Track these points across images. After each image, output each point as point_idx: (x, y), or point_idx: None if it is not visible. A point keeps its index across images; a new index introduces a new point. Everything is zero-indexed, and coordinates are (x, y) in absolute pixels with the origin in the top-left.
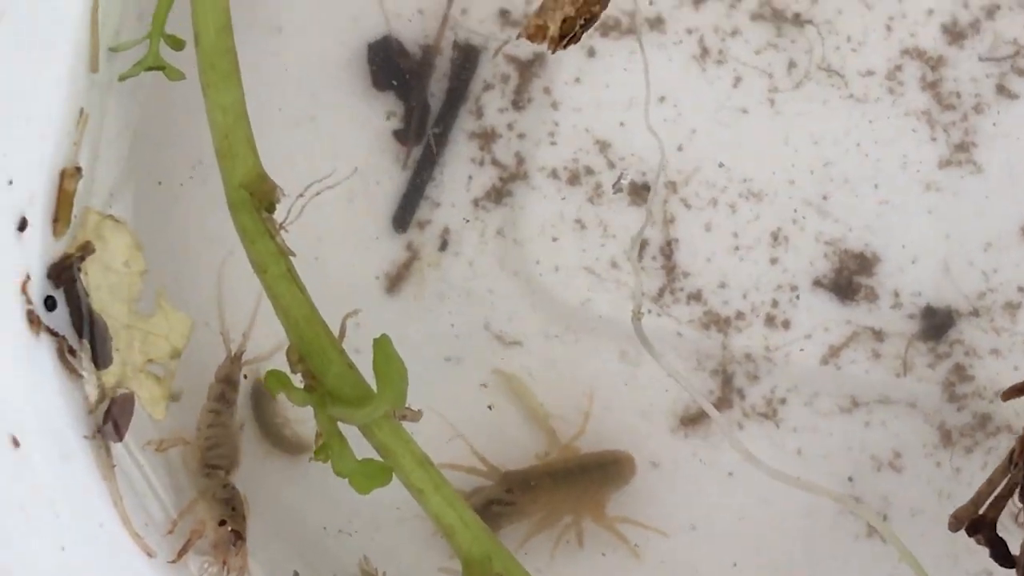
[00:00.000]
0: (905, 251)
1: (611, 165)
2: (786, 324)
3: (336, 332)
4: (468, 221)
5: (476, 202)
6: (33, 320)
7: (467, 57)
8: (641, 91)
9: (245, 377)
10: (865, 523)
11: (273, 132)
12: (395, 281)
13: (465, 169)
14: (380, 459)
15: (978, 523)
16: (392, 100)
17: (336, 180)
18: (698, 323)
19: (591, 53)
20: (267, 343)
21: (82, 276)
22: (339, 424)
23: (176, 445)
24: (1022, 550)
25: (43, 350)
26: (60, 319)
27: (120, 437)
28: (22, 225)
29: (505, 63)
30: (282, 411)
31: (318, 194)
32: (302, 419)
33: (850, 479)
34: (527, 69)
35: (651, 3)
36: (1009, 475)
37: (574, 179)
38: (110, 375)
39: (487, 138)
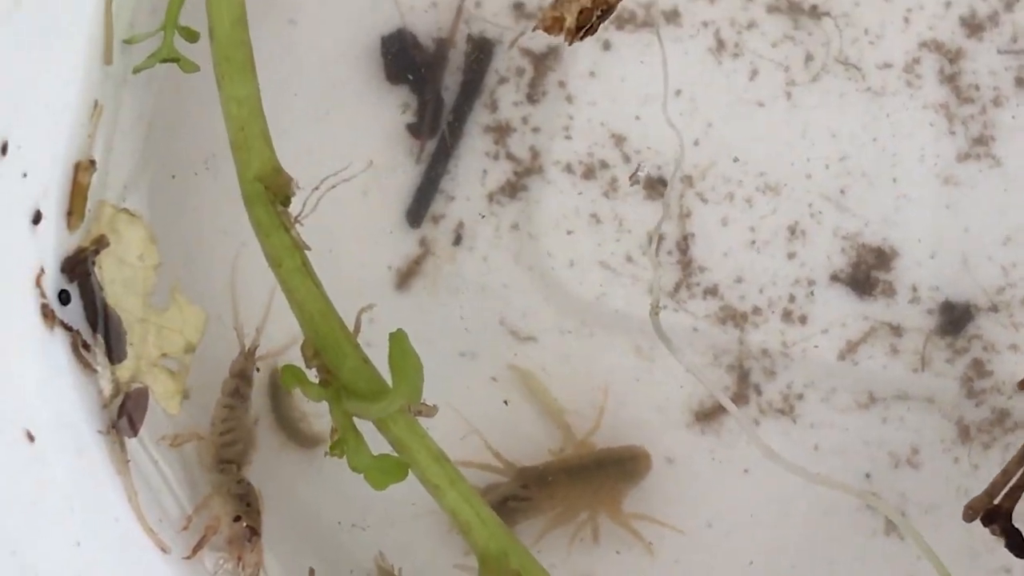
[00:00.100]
0: (923, 245)
1: (626, 159)
2: (803, 319)
3: (350, 327)
4: (484, 217)
5: (491, 196)
6: (47, 314)
7: (481, 50)
8: (656, 85)
9: (258, 370)
10: (882, 520)
11: (286, 126)
12: (409, 276)
13: (479, 163)
14: (395, 454)
15: (993, 513)
16: (406, 94)
17: (352, 173)
18: (714, 318)
19: (606, 46)
20: (281, 337)
21: (96, 270)
22: (354, 419)
23: (190, 440)
24: None
25: (57, 344)
26: (74, 313)
27: (135, 432)
28: (36, 218)
29: (520, 56)
30: (299, 405)
31: (333, 187)
32: (319, 413)
33: (867, 475)
34: (542, 62)
35: None
36: None
37: (589, 173)
38: (124, 369)
39: (502, 132)
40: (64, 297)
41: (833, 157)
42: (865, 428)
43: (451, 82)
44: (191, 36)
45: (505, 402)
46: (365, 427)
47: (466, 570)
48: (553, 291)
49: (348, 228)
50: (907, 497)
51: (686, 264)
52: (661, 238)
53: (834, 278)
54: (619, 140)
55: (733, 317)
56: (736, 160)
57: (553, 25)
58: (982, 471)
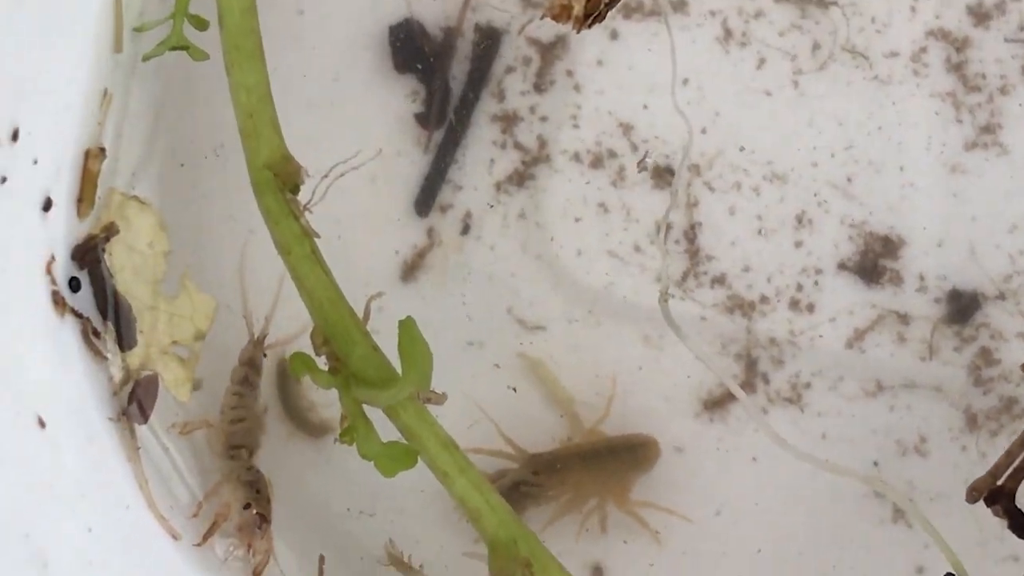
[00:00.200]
0: (930, 234)
1: (634, 148)
2: (811, 308)
3: (359, 314)
4: (492, 206)
5: (498, 186)
6: (58, 301)
7: (489, 39)
8: (664, 74)
9: (265, 355)
10: (890, 508)
11: (294, 115)
12: (417, 265)
13: (487, 152)
14: (405, 442)
15: (996, 494)
16: (414, 83)
17: (361, 161)
18: (722, 307)
19: (614, 35)
20: (289, 325)
21: (106, 257)
22: (364, 407)
23: (200, 428)
24: None
25: (68, 332)
26: (84, 300)
27: (145, 419)
28: (47, 205)
29: (527, 46)
30: (307, 394)
31: (342, 175)
32: (327, 403)
33: (875, 464)
34: (549, 52)
35: None
36: None
37: (597, 162)
38: (134, 357)
39: (509, 121)
40: (74, 284)
41: (840, 146)
42: (873, 416)
43: (459, 71)
44: (200, 24)
45: (513, 389)
46: (374, 414)
47: (475, 558)
48: (561, 280)
49: (355, 218)
50: (915, 485)
51: (693, 253)
52: (669, 227)
53: (841, 266)
54: (627, 129)
55: (741, 306)
56: (743, 149)
57: (561, 13)
58: (990, 459)
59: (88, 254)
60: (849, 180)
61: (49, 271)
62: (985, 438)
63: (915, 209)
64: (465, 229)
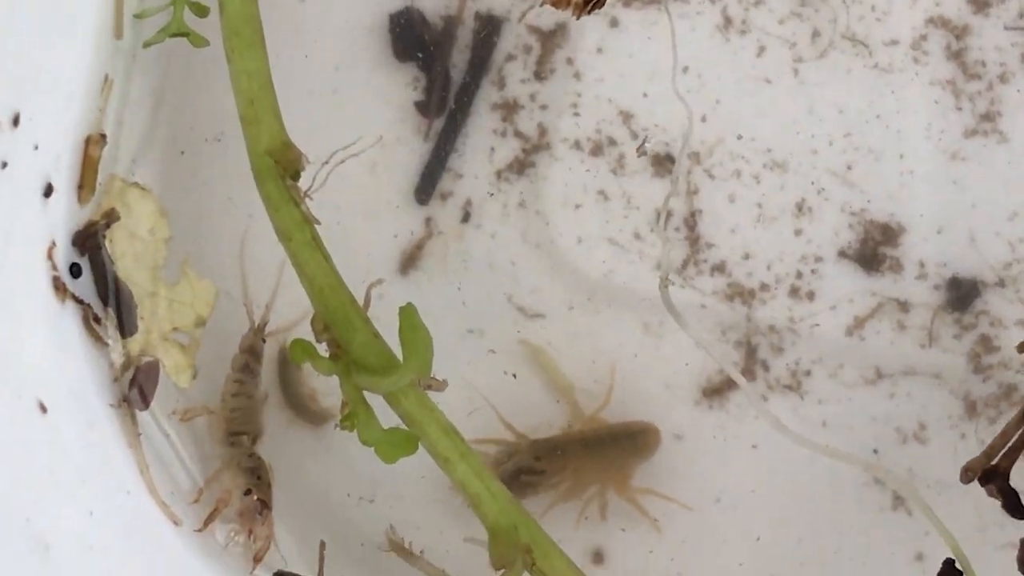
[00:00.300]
0: (930, 221)
1: (634, 136)
2: (810, 295)
3: (359, 301)
4: (492, 194)
5: (499, 174)
6: (59, 287)
7: (489, 27)
8: (664, 61)
9: (264, 341)
10: (890, 496)
11: (294, 103)
12: (416, 253)
13: (487, 140)
14: (405, 428)
15: (991, 473)
16: (414, 71)
17: (361, 148)
18: (722, 295)
19: (613, 23)
20: (290, 312)
21: (107, 243)
22: (364, 393)
23: (201, 415)
24: None
25: (69, 318)
26: (85, 287)
27: (146, 405)
28: (48, 191)
29: (527, 34)
30: (308, 382)
31: (342, 162)
32: (327, 391)
33: (875, 451)
34: (549, 40)
35: None
36: (1023, 428)
37: (597, 150)
38: (135, 343)
39: (509, 109)
40: (75, 270)
41: (840, 133)
42: (872, 404)
43: (459, 59)
44: (201, 11)
45: (513, 376)
46: (374, 401)
47: (476, 543)
48: (561, 268)
49: (355, 206)
50: (914, 473)
51: (693, 241)
52: (669, 215)
53: (841, 254)
54: (627, 117)
55: (740, 293)
56: (743, 137)
57: (560, 0)
58: None
59: (89, 240)
60: (849, 168)
61: (50, 257)
62: (984, 425)
63: (915, 197)
64: (465, 217)
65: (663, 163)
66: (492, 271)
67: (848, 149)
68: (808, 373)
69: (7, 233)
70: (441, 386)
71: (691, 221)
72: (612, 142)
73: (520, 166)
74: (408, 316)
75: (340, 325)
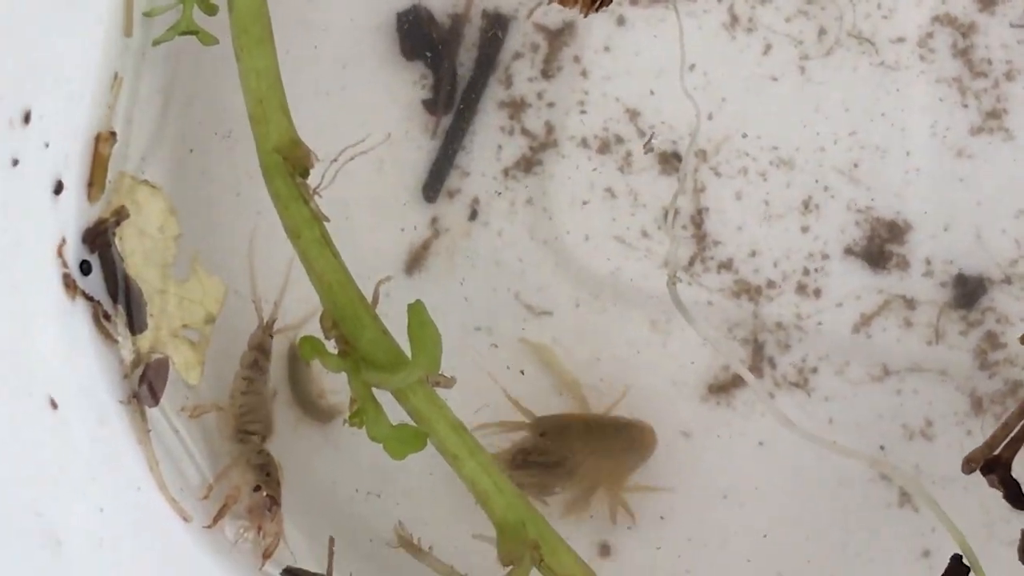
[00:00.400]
0: (936, 218)
1: (641, 134)
2: (817, 292)
3: (368, 298)
4: (499, 192)
5: (506, 171)
6: (69, 284)
7: (496, 26)
8: (671, 59)
9: (271, 337)
10: (896, 492)
11: (303, 101)
12: (424, 251)
13: (495, 138)
14: (414, 424)
15: (992, 463)
16: (422, 69)
17: (369, 146)
18: (729, 292)
19: (620, 21)
20: (299, 309)
21: (117, 241)
22: (373, 390)
23: (210, 411)
24: None
25: (79, 315)
26: (95, 284)
27: (156, 401)
28: (58, 188)
29: (534, 32)
30: (317, 379)
31: (351, 160)
32: (336, 389)
33: (882, 448)
34: (556, 38)
35: None
36: None
37: (604, 148)
38: (145, 340)
39: (517, 107)
40: (85, 268)
41: (846, 131)
42: (879, 401)
43: (466, 58)
44: (210, 9)
45: (521, 372)
46: (383, 397)
47: (484, 540)
48: (568, 265)
49: (363, 203)
50: (921, 469)
51: (700, 238)
52: (676, 212)
53: (848, 251)
54: (633, 115)
55: (747, 291)
56: (749, 135)
57: None
58: None
59: (99, 238)
60: (855, 165)
61: (60, 254)
62: (990, 421)
63: (921, 194)
64: (473, 215)
65: (670, 161)
66: (499, 268)
67: (854, 147)
68: (815, 370)
69: (18, 230)
70: (449, 383)
71: (698, 218)
72: (619, 140)
73: (527, 164)
74: (417, 313)
75: (349, 322)
